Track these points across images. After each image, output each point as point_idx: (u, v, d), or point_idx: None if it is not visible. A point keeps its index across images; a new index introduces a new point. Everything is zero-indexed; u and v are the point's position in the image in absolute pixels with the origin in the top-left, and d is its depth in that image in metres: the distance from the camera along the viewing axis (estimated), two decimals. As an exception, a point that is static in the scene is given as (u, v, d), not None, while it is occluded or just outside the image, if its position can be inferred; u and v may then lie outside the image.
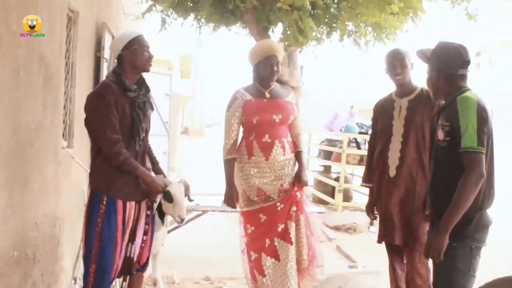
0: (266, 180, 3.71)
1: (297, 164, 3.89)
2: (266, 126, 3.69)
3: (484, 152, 2.51)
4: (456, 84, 2.71)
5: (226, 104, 3.82)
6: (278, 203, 3.73)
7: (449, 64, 2.70)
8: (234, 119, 3.74)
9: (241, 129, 3.85)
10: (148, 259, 3.40)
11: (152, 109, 3.36)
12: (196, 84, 35.89)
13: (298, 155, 3.89)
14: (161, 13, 7.09)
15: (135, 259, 3.27)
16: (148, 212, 3.33)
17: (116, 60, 3.22)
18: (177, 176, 13.01)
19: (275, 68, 3.70)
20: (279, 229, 3.70)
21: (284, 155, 3.72)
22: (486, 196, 2.61)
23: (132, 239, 3.23)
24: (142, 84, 3.25)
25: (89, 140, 3.24)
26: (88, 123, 3.12)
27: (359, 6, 4.93)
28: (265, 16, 6.31)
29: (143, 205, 3.28)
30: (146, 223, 3.32)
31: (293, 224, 3.72)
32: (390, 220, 3.54)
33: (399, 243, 3.52)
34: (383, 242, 3.66)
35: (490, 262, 5.31)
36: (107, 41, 5.47)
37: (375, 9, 4.61)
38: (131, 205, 3.17)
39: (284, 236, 3.70)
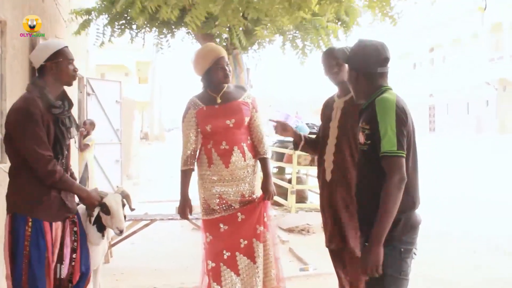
0: (227, 188, 3.61)
1: (259, 171, 3.74)
2: (221, 132, 3.59)
3: (404, 155, 2.45)
4: (376, 83, 2.62)
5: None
6: (239, 213, 3.62)
7: (367, 62, 2.60)
8: (190, 129, 3.65)
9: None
10: (82, 277, 3.21)
11: (77, 126, 3.22)
12: (154, 89, 35.58)
13: (262, 163, 3.74)
14: (96, 30, 6.96)
15: (66, 279, 3.10)
16: (75, 229, 3.16)
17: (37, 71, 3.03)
18: (133, 184, 12.84)
19: (227, 70, 3.61)
20: (242, 245, 3.61)
21: (244, 160, 3.61)
22: (410, 197, 2.53)
23: (60, 259, 3.07)
24: (64, 99, 3.08)
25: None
26: (15, 140, 2.89)
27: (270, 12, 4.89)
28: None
29: (67, 222, 3.12)
30: (74, 240, 3.15)
31: (261, 246, 3.62)
32: (327, 224, 3.49)
33: (334, 248, 3.47)
34: None
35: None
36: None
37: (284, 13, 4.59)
38: (57, 225, 3.02)
39: (248, 253, 3.60)
